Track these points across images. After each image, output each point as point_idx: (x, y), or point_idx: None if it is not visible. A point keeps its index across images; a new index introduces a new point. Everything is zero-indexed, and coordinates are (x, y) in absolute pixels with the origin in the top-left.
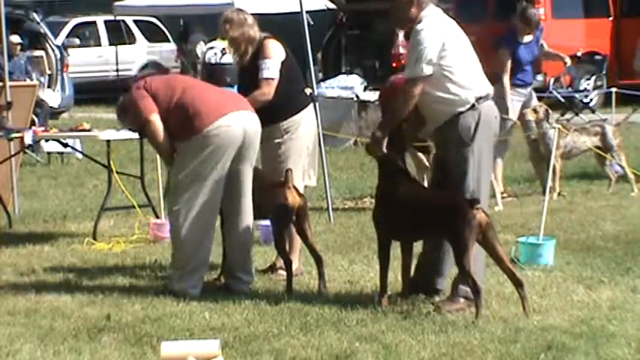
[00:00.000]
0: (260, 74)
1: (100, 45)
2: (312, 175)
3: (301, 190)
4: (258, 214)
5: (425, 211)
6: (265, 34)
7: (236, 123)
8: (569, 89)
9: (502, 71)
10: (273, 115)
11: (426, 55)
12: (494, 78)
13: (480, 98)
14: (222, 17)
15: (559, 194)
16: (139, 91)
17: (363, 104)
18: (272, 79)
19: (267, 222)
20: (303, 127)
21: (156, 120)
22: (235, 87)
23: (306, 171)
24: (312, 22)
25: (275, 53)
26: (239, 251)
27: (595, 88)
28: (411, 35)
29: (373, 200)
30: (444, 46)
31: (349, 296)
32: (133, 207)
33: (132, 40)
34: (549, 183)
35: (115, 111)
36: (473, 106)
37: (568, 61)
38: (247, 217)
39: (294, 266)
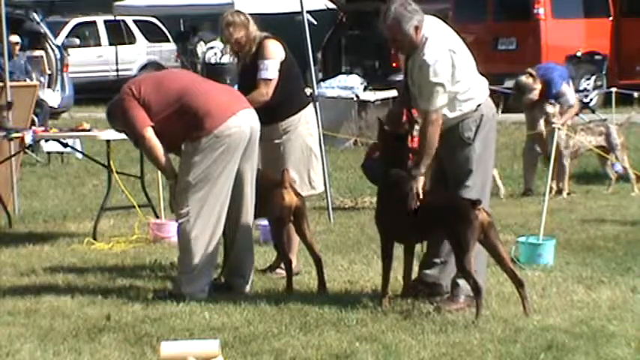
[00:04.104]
0: (258, 74)
1: (100, 45)
2: (316, 183)
3: (303, 194)
4: (255, 214)
5: (427, 212)
6: (265, 34)
7: (244, 122)
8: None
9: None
10: (272, 114)
11: (442, 87)
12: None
13: (481, 101)
14: (222, 21)
15: (569, 194)
16: (128, 101)
17: (363, 104)
18: (270, 79)
19: (266, 222)
20: (302, 127)
21: (151, 136)
22: (235, 87)
23: (310, 178)
24: (315, 23)
25: (274, 53)
26: (240, 251)
27: (595, 88)
28: (417, 65)
29: (373, 200)
30: (453, 64)
31: (349, 296)
32: (133, 207)
33: (132, 40)
34: (549, 182)
35: (106, 113)
36: (474, 108)
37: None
38: (249, 216)
39: (293, 265)
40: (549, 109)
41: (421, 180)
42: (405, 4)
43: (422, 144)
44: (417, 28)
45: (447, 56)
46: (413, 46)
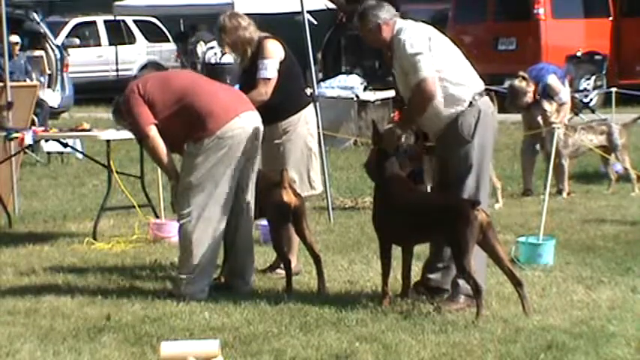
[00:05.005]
0: (257, 74)
1: (100, 45)
2: (316, 183)
3: (303, 195)
4: (255, 214)
5: (425, 213)
6: (265, 34)
7: (248, 124)
8: (570, 89)
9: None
10: (272, 114)
11: (422, 55)
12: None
13: (477, 94)
14: (216, 25)
15: (569, 194)
16: (133, 98)
17: (363, 104)
18: (269, 79)
19: (266, 222)
20: (302, 128)
21: (154, 135)
22: (237, 87)
23: (310, 178)
24: (315, 23)
25: (273, 53)
26: (241, 252)
27: (595, 88)
28: (396, 48)
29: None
30: (430, 42)
31: (349, 296)
32: (133, 207)
33: (132, 40)
34: (549, 182)
35: (111, 111)
36: (471, 103)
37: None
38: (250, 218)
39: (292, 265)
40: (546, 106)
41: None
42: (374, 4)
43: (411, 110)
44: (379, 25)
45: (420, 31)
46: (383, 41)
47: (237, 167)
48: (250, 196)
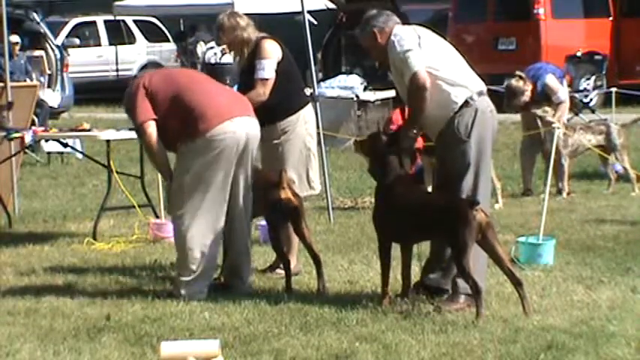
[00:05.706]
0: (255, 74)
1: (99, 45)
2: (315, 183)
3: (302, 195)
4: (254, 214)
5: (425, 212)
6: (262, 34)
7: (240, 128)
8: (569, 89)
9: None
10: (271, 114)
11: (411, 51)
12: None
13: (474, 95)
14: (216, 24)
15: (568, 194)
16: (138, 91)
17: (363, 104)
18: (267, 79)
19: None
20: (300, 128)
21: (151, 132)
22: (235, 87)
23: (309, 178)
24: (315, 23)
25: (271, 53)
26: (237, 253)
27: (595, 88)
28: (389, 52)
29: (373, 200)
30: (420, 40)
31: (349, 296)
32: (133, 207)
33: (132, 40)
34: (549, 182)
35: (115, 110)
36: (468, 103)
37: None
38: (246, 219)
39: (292, 265)
40: (538, 111)
41: (416, 139)
42: (375, 13)
43: (410, 107)
44: (374, 32)
45: (409, 31)
46: (380, 47)
47: (230, 171)
48: (244, 201)
